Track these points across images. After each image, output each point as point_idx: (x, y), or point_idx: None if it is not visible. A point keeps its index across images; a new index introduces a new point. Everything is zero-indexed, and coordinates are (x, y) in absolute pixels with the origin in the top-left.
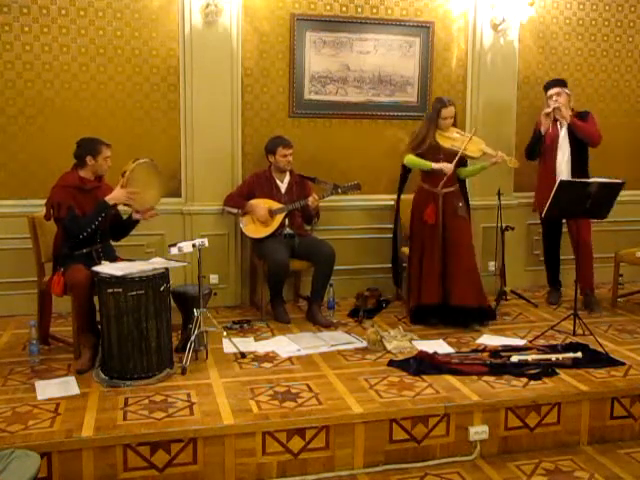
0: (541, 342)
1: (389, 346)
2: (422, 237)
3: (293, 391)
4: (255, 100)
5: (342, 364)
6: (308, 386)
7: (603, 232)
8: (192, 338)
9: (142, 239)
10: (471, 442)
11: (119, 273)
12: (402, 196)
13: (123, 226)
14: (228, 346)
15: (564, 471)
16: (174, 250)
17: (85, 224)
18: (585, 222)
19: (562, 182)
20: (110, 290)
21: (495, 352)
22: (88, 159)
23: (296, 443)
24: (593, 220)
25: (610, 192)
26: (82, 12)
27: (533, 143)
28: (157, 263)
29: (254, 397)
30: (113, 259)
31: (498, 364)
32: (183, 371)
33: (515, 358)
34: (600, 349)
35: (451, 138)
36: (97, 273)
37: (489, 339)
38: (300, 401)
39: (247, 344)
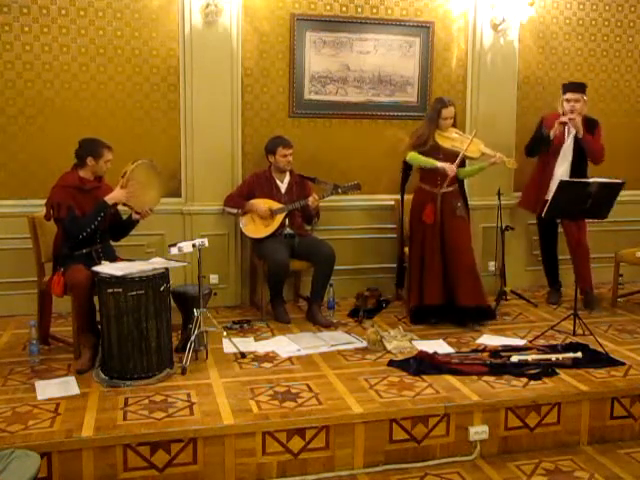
0: (541, 342)
1: (389, 346)
2: (421, 237)
3: (293, 391)
4: (255, 100)
5: (342, 364)
6: (308, 386)
7: (603, 232)
8: (192, 338)
9: (142, 239)
10: (471, 442)
11: (119, 273)
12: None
13: (123, 226)
14: (228, 346)
15: (564, 471)
16: (174, 250)
17: (85, 224)
18: (581, 222)
19: (562, 182)
20: (110, 290)
21: (495, 352)
22: (89, 160)
23: (296, 443)
24: (593, 220)
25: (610, 192)
26: (82, 12)
27: (537, 143)
28: (157, 263)
29: (254, 397)
30: (113, 259)
31: (498, 364)
32: (183, 371)
33: (515, 358)
34: (600, 349)
35: (450, 138)
36: (97, 273)
37: (489, 339)
38: (300, 401)
39: (247, 344)
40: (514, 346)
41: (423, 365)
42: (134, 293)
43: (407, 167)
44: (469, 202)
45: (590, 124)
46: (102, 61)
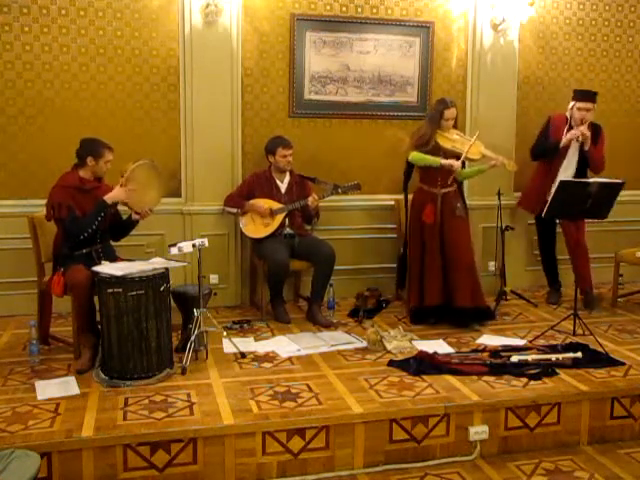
0: (541, 342)
1: (389, 346)
2: (421, 238)
3: (293, 391)
4: (255, 100)
5: (342, 364)
6: (308, 386)
7: (603, 232)
8: (192, 338)
9: (142, 239)
10: (471, 442)
11: (119, 273)
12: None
13: (123, 226)
14: (228, 346)
15: (564, 471)
16: (174, 250)
17: (85, 224)
18: (580, 222)
19: (562, 182)
20: (110, 290)
21: (495, 352)
22: (89, 160)
23: (296, 443)
24: (593, 221)
25: (610, 192)
26: (82, 12)
27: (547, 149)
28: (157, 263)
29: (254, 397)
30: (113, 259)
31: (498, 364)
32: (183, 371)
33: (515, 358)
34: (600, 349)
35: (451, 139)
36: (97, 273)
37: (489, 339)
38: (300, 401)
39: (247, 344)
40: (514, 346)
41: (423, 365)
42: (134, 293)
43: (409, 167)
44: (468, 202)
45: (594, 130)
46: (102, 61)
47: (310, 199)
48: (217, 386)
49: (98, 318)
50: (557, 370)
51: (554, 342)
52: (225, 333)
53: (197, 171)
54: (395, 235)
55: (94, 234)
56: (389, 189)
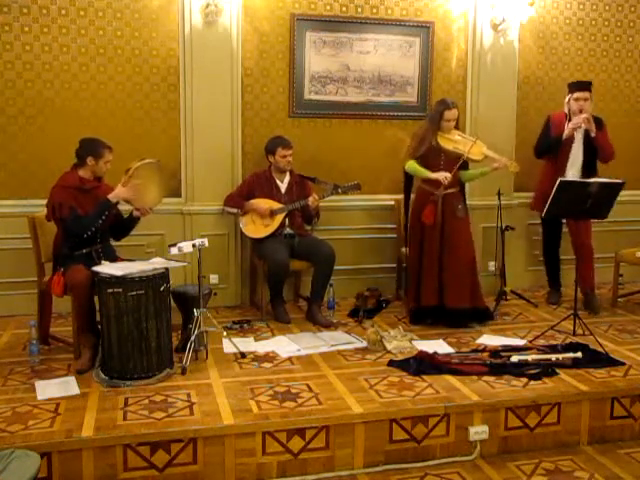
0: (541, 342)
1: (389, 346)
2: (421, 238)
3: (293, 391)
4: (255, 100)
5: (342, 364)
6: (308, 386)
7: (603, 232)
8: (192, 338)
9: (142, 239)
10: (471, 442)
11: (119, 273)
12: (401, 197)
13: (124, 225)
14: (228, 346)
15: (564, 471)
16: (174, 250)
17: (88, 223)
18: (585, 223)
19: (562, 182)
20: (110, 290)
21: (495, 352)
22: (89, 160)
23: (296, 443)
24: (593, 220)
25: (610, 192)
26: (82, 12)
27: (550, 145)
28: (157, 263)
29: (254, 397)
30: (113, 259)
31: (498, 364)
32: (183, 371)
33: (515, 358)
34: (600, 349)
35: (453, 140)
36: (97, 273)
37: (489, 339)
38: (300, 401)
39: (247, 344)
40: (514, 346)
41: (423, 365)
42: (134, 293)
43: (408, 174)
44: (468, 202)
45: (596, 122)
46: (102, 61)
47: (310, 199)
48: (217, 386)
49: (98, 318)
50: (557, 370)
51: (554, 342)
52: (225, 333)
53: (197, 171)
54: (395, 235)
55: (95, 234)
56: (389, 189)
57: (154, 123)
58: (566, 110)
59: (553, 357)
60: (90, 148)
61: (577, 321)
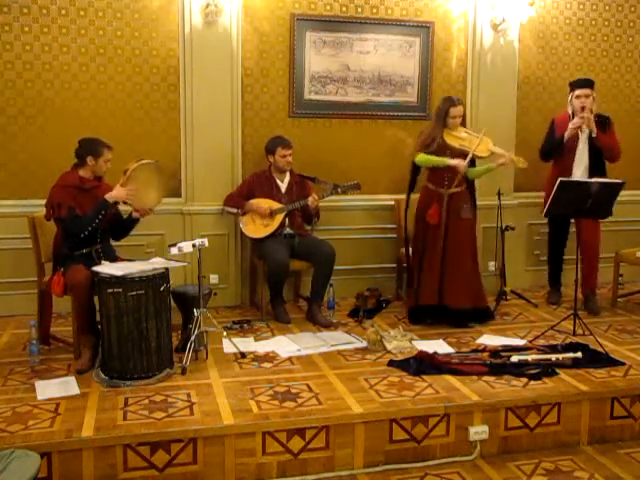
0: (541, 342)
1: (389, 346)
2: (424, 238)
3: (293, 391)
4: (255, 100)
5: (342, 364)
6: (308, 386)
7: (603, 232)
8: (192, 338)
9: (142, 239)
10: (471, 442)
11: (119, 273)
12: (401, 197)
13: (123, 225)
14: (228, 346)
15: (564, 471)
16: (174, 250)
17: (86, 223)
18: (594, 225)
19: (562, 182)
20: (110, 290)
21: (495, 352)
22: (89, 159)
23: (296, 443)
24: (601, 220)
25: (610, 192)
26: (82, 12)
27: (552, 147)
28: (157, 263)
29: (254, 397)
30: (113, 259)
31: (498, 364)
32: (183, 371)
33: (515, 358)
34: (600, 349)
35: (459, 137)
36: (97, 273)
37: (489, 339)
38: (300, 401)
39: (247, 344)
40: (514, 346)
41: (423, 365)
42: (134, 293)
43: (416, 168)
44: (477, 202)
45: (602, 122)
46: (102, 61)
47: (310, 199)
48: (217, 386)
49: (98, 318)
50: (557, 370)
51: (554, 342)
52: (225, 333)
53: (197, 171)
54: (395, 235)
55: (94, 234)
56: (389, 189)
57: (154, 123)
58: (569, 110)
59: (553, 357)
60: (90, 147)
61: (577, 321)
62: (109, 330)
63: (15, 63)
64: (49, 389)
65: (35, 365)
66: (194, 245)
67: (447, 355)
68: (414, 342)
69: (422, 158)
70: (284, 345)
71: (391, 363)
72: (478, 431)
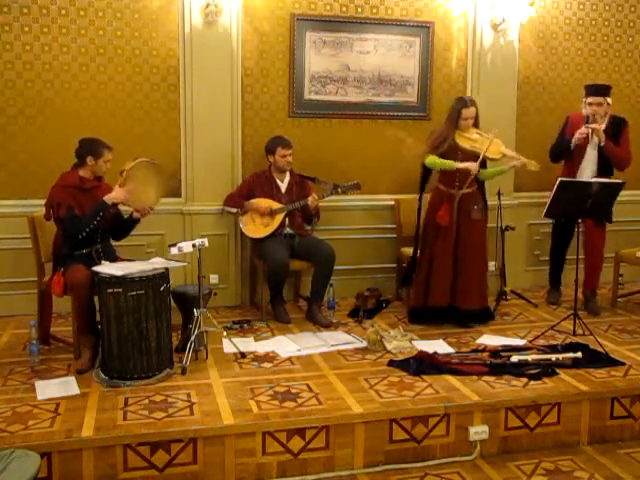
0: (541, 342)
1: (389, 346)
2: (434, 238)
3: (293, 391)
4: (255, 100)
5: (342, 364)
6: (308, 386)
7: None
8: (192, 338)
9: (142, 239)
10: (471, 442)
11: (119, 273)
12: (401, 197)
13: (124, 226)
14: (228, 346)
15: (564, 471)
16: (174, 250)
17: (84, 224)
18: (599, 226)
19: (562, 182)
20: (110, 290)
21: (495, 352)
22: (89, 159)
23: (296, 443)
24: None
25: (610, 192)
26: (82, 12)
27: (560, 150)
28: (157, 263)
29: (254, 397)
30: (113, 259)
31: (498, 364)
32: (183, 371)
33: (515, 358)
34: (600, 349)
35: (471, 139)
36: (97, 273)
37: (489, 339)
38: (300, 401)
39: (247, 344)
40: (514, 346)
41: (423, 365)
42: (134, 293)
43: (426, 171)
44: (488, 202)
45: (616, 124)
46: (102, 61)
47: (310, 199)
48: (217, 386)
49: (98, 318)
50: (557, 370)
51: (554, 342)
52: (225, 333)
53: (197, 171)
54: (395, 235)
55: (94, 234)
56: (389, 189)
57: (154, 123)
58: (584, 113)
59: (553, 357)
60: (89, 148)
61: (577, 321)
62: (109, 330)
63: (15, 63)
64: (49, 389)
65: (35, 365)
66: (194, 245)
67: (447, 355)
68: (414, 342)
69: (431, 160)
70: (284, 345)
71: (391, 363)
72: (478, 431)
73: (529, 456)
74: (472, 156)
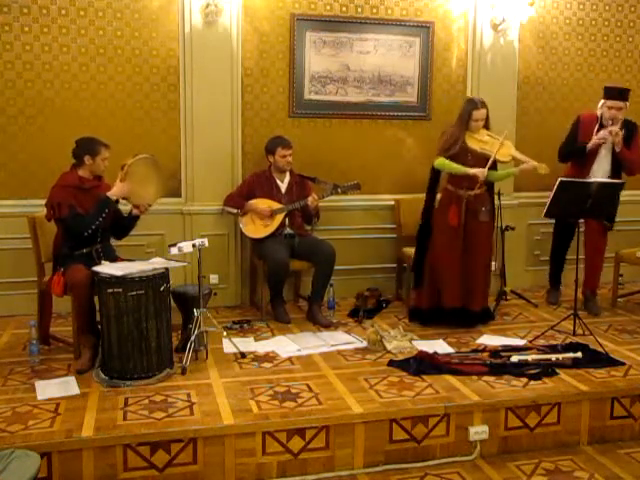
0: (541, 342)
1: (389, 346)
2: (443, 239)
3: (293, 391)
4: (255, 100)
5: (342, 364)
6: (308, 386)
7: None
8: (192, 338)
9: (142, 239)
10: (471, 442)
11: (119, 273)
12: (401, 197)
13: (124, 224)
14: (228, 346)
15: (564, 471)
16: (174, 250)
17: (88, 222)
18: (602, 227)
19: (562, 182)
20: (110, 290)
21: (495, 352)
22: (86, 159)
23: (296, 443)
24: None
25: (610, 192)
26: (82, 12)
27: (574, 152)
28: (157, 263)
29: (254, 397)
30: (113, 259)
31: (498, 364)
32: (183, 371)
33: (515, 358)
34: (600, 349)
35: (482, 141)
36: (97, 273)
37: (489, 339)
38: (300, 401)
39: (247, 344)
40: (514, 346)
41: (423, 365)
42: (134, 293)
43: (436, 172)
44: (495, 203)
45: (628, 128)
46: (102, 61)
47: (310, 199)
48: (217, 386)
49: (98, 318)
50: (557, 370)
51: (554, 342)
52: (225, 333)
53: (197, 171)
54: (395, 235)
55: (94, 233)
56: (389, 189)
57: (154, 123)
58: (598, 113)
59: (553, 357)
60: (86, 147)
61: (577, 321)
62: (109, 330)
63: (15, 63)
64: (49, 389)
65: (35, 365)
66: (194, 245)
67: (447, 355)
68: (414, 342)
69: (440, 162)
70: (284, 345)
71: (391, 363)
72: (478, 431)
73: (529, 456)
74: (482, 158)
